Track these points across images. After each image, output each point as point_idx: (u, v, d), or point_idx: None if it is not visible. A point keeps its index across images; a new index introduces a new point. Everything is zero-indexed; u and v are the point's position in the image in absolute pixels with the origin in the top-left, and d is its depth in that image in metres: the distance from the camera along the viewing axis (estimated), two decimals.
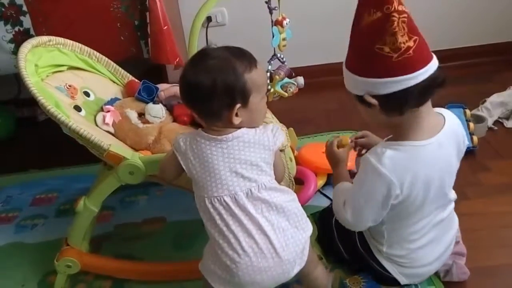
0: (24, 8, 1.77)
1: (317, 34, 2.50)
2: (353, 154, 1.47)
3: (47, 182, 2.03)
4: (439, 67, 1.10)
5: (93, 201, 1.38)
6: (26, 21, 1.79)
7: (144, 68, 2.08)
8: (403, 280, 1.31)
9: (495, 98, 2.12)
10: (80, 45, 1.58)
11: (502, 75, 2.43)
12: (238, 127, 1.11)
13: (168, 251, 1.61)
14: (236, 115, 1.08)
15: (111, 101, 1.53)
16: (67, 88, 1.45)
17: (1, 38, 1.79)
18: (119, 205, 1.84)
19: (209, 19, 2.45)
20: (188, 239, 1.63)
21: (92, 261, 1.48)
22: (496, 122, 2.08)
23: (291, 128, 1.62)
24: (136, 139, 1.43)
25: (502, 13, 2.55)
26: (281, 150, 1.22)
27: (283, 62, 1.68)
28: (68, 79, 1.49)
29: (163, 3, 1.79)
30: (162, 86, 1.59)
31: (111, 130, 1.45)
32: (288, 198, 1.14)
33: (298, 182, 1.45)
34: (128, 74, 1.70)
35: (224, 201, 1.09)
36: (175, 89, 1.53)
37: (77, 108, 1.42)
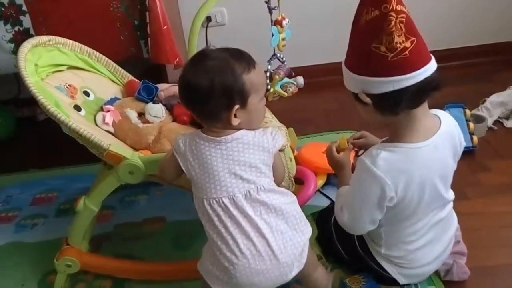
0: (24, 7, 1.77)
1: (316, 33, 2.50)
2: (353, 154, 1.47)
3: (47, 181, 2.03)
4: (437, 70, 1.09)
5: (93, 201, 1.38)
6: (26, 21, 1.79)
7: (143, 67, 2.08)
8: (402, 280, 1.32)
9: (495, 98, 2.12)
10: (80, 44, 1.59)
11: (501, 75, 2.44)
12: (237, 128, 1.11)
13: (168, 250, 1.61)
14: (235, 116, 1.08)
15: (111, 101, 1.53)
16: (67, 87, 1.46)
17: (1, 37, 1.79)
18: (119, 205, 1.84)
19: (208, 19, 2.45)
20: (188, 238, 1.63)
21: (92, 260, 1.48)
22: (496, 122, 2.08)
23: (291, 128, 1.62)
24: (136, 139, 1.43)
25: (501, 13, 2.55)
26: (280, 150, 1.22)
27: (282, 62, 1.68)
28: (68, 79, 1.49)
29: (162, 3, 1.79)
30: (161, 86, 1.59)
31: (111, 129, 1.45)
32: (287, 200, 1.14)
33: (298, 182, 1.45)
34: (128, 74, 1.70)
35: (223, 202, 1.09)
36: (174, 88, 1.53)
37: (77, 108, 1.42)
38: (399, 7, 1.03)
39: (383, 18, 1.03)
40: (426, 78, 1.06)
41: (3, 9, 1.76)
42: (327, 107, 2.37)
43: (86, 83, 1.55)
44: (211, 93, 1.06)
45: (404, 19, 1.03)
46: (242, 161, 1.09)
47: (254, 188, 1.09)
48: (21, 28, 1.80)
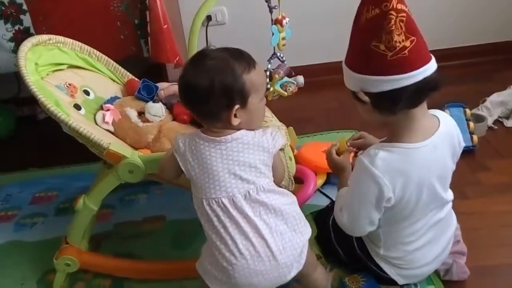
0: (24, 6, 1.77)
1: (317, 33, 2.50)
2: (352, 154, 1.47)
3: (47, 180, 2.03)
4: (437, 70, 1.08)
5: (93, 200, 1.38)
6: (26, 20, 1.79)
7: (144, 67, 2.08)
8: (400, 281, 1.31)
9: (495, 97, 2.12)
10: (80, 43, 1.58)
11: (502, 74, 2.43)
12: (237, 128, 1.10)
13: (167, 249, 1.61)
14: (235, 116, 1.08)
15: (111, 100, 1.53)
16: (67, 86, 1.46)
17: (1, 36, 1.79)
18: (119, 204, 1.84)
19: (209, 18, 2.45)
20: (187, 237, 1.63)
21: (92, 259, 1.48)
22: (496, 122, 2.08)
23: (291, 127, 1.62)
24: (136, 138, 1.43)
25: (502, 12, 2.55)
26: (280, 149, 1.21)
27: (282, 61, 1.68)
28: (68, 78, 1.49)
29: (163, 2, 1.79)
30: (162, 85, 1.59)
31: (111, 128, 1.45)
32: (287, 201, 1.14)
33: (298, 181, 1.45)
34: (128, 73, 1.70)
35: (222, 203, 1.09)
36: (174, 87, 1.53)
37: (77, 107, 1.42)
38: (399, 6, 1.02)
39: (383, 16, 1.02)
40: (425, 78, 1.06)
41: (3, 8, 1.76)
42: (327, 106, 2.37)
43: (86, 82, 1.54)
44: (211, 93, 1.05)
45: (404, 18, 1.03)
46: (241, 161, 1.09)
47: (254, 188, 1.09)
48: (21, 27, 1.80)
